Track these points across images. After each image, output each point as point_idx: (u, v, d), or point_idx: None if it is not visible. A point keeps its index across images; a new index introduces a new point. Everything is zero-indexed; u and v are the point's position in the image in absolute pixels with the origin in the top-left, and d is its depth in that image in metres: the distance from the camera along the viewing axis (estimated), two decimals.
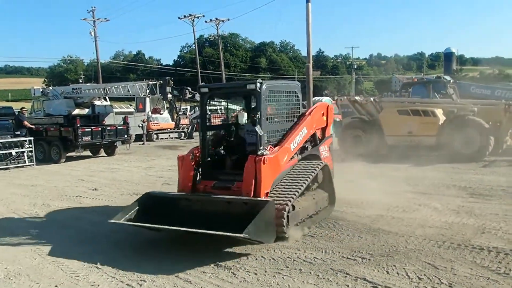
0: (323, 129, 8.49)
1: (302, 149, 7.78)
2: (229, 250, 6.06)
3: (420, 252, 5.74)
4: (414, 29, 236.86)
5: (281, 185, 6.64)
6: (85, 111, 23.83)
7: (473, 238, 6.24)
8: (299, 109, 7.92)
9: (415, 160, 14.43)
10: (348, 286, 4.86)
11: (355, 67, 75.97)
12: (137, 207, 6.62)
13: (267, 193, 6.41)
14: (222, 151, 7.59)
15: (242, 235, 5.27)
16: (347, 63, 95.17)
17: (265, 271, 5.37)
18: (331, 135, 8.86)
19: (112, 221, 6.38)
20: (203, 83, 7.23)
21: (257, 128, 6.58)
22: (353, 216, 7.62)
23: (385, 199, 8.72)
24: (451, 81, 17.48)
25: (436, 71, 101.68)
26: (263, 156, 6.36)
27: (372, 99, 16.57)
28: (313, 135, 8.06)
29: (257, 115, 6.62)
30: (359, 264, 5.39)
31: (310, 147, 8.01)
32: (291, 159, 7.22)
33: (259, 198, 6.18)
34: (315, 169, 7.09)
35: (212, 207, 6.42)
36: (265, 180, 6.35)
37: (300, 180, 6.70)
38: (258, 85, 6.61)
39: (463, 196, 9.16)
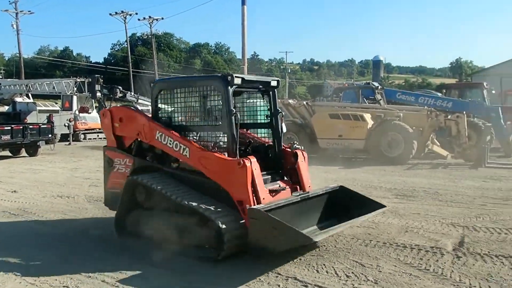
0: None
1: None
2: (158, 253, 5.84)
3: (348, 251, 5.88)
4: (346, 36, 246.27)
5: None
6: (5, 108, 22.34)
7: (397, 237, 6.50)
8: None
9: (346, 162, 14.94)
10: (279, 286, 4.86)
11: (289, 71, 77.57)
12: None
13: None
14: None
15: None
16: (281, 67, 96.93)
17: (196, 273, 5.26)
18: None
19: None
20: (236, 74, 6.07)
21: (283, 125, 6.63)
22: None
23: None
24: (379, 87, 18.30)
25: (365, 78, 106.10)
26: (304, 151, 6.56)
27: (304, 103, 16.94)
28: None
29: (281, 112, 6.59)
30: (290, 264, 5.41)
31: None
32: None
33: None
34: None
35: (308, 206, 6.11)
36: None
37: None
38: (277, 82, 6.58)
39: (388, 197, 9.55)
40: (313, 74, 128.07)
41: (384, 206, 6.37)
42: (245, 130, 6.72)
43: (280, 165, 6.41)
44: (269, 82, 6.49)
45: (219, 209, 5.47)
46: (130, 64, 48.78)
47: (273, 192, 5.87)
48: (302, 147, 6.67)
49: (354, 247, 6.05)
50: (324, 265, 5.36)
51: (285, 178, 6.34)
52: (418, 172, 13.19)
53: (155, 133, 6.19)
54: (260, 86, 6.52)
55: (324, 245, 6.10)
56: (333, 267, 5.30)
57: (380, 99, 16.44)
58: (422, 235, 6.61)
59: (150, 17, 49.23)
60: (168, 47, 77.63)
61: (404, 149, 14.56)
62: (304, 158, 6.48)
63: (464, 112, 15.42)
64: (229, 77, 5.76)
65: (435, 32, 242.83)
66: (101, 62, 79.76)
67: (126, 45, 52.51)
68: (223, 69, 77.53)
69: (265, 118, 6.59)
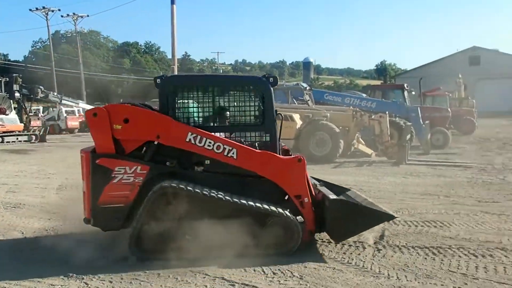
0: None
1: None
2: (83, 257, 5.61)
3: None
4: (277, 38, 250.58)
5: None
6: None
7: (323, 233, 6.69)
8: None
9: None
10: (206, 286, 4.85)
11: (221, 71, 77.48)
12: None
13: None
14: None
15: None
16: (213, 67, 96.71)
17: (121, 278, 5.10)
18: None
19: None
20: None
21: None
22: None
23: None
24: (308, 88, 18.76)
25: (296, 79, 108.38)
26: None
27: None
28: None
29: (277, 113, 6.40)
30: (217, 264, 5.40)
31: None
32: None
33: None
34: None
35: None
36: None
37: None
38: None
39: None
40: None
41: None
42: None
43: None
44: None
45: (278, 206, 5.66)
46: (53, 63, 46.43)
47: None
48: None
49: None
50: (252, 263, 5.41)
51: None
52: (345, 170, 13.68)
53: (186, 135, 5.65)
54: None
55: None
56: (260, 265, 5.36)
57: (309, 100, 16.84)
58: None
59: (74, 13, 47.29)
60: (94, 46, 74.72)
61: (331, 148, 15.03)
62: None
63: (387, 112, 16.20)
64: (271, 79, 6.01)
65: (362, 35, 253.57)
66: (20, 60, 75.10)
67: (49, 43, 49.85)
68: (153, 69, 75.88)
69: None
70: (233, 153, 5.67)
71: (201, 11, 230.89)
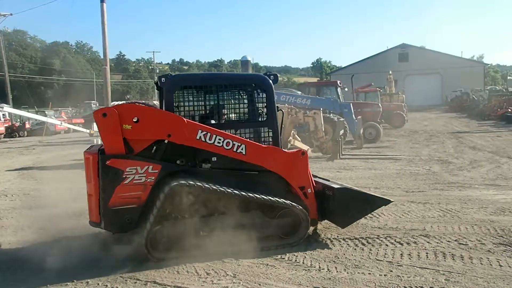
0: None
1: None
2: None
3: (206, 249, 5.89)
4: (214, 36, 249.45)
5: None
6: None
7: None
8: None
9: None
10: None
11: (157, 71, 75.96)
12: None
13: None
14: None
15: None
16: (150, 67, 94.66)
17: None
18: None
19: None
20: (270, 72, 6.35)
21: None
22: None
23: None
24: None
25: None
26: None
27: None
28: None
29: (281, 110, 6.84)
30: (149, 268, 5.29)
31: None
32: None
33: None
34: None
35: None
36: None
37: None
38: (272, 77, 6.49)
39: None
40: None
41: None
42: None
43: None
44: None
45: (283, 199, 5.94)
46: None
47: None
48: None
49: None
50: (185, 265, 5.34)
51: None
52: None
53: (197, 133, 5.69)
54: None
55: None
56: (193, 266, 5.31)
57: None
58: None
59: None
60: (20, 46, 70.74)
61: None
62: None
63: (321, 109, 16.55)
64: (272, 76, 6.32)
65: (299, 33, 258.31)
66: None
67: None
68: (86, 70, 73.09)
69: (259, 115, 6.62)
70: (242, 149, 5.86)
71: (133, 10, 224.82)
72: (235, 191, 5.63)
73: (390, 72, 33.02)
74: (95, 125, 9.50)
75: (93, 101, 46.50)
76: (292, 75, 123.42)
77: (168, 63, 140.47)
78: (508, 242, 5.85)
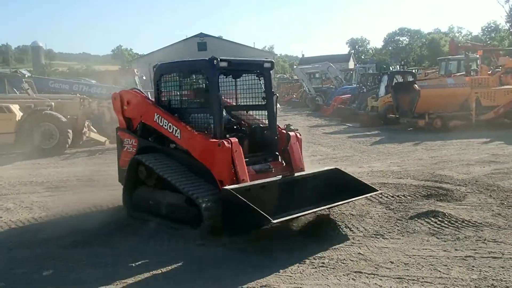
0: None
1: None
2: None
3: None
4: None
5: None
6: None
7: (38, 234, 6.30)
8: None
9: None
10: None
11: None
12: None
13: None
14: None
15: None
16: None
17: None
18: None
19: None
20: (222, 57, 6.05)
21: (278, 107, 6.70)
22: None
23: None
24: (27, 76, 17.07)
25: (26, 65, 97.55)
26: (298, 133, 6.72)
27: None
28: None
29: (276, 95, 6.71)
30: None
31: None
32: None
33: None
34: None
35: (295, 187, 6.12)
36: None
37: None
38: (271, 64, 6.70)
39: (39, 191, 9.11)
40: None
41: (376, 190, 6.48)
42: (245, 112, 7.09)
43: (274, 147, 6.64)
44: (262, 64, 6.65)
45: (201, 189, 5.76)
46: None
47: (261, 172, 6.15)
48: (297, 130, 6.88)
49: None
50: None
51: (279, 160, 6.66)
52: (75, 161, 13.10)
53: (154, 115, 6.59)
54: (253, 69, 6.71)
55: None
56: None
57: (28, 89, 15.31)
58: None
59: None
60: None
61: (59, 139, 14.09)
62: (297, 140, 6.68)
63: None
64: (215, 61, 5.95)
65: (95, 18, 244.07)
66: None
67: None
68: None
69: (262, 100, 6.72)
70: (177, 133, 6.32)
71: None
72: (162, 172, 6.08)
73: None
74: None
75: None
76: (92, 63, 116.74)
77: None
78: None
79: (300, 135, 6.76)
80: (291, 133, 6.62)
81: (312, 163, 9.86)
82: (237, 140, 5.95)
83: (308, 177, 6.38)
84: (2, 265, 5.27)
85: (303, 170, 6.51)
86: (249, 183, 5.75)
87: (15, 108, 14.05)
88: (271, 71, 6.80)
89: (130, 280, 4.68)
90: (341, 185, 6.31)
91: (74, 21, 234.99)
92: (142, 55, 69.19)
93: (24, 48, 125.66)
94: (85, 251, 5.60)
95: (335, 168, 6.82)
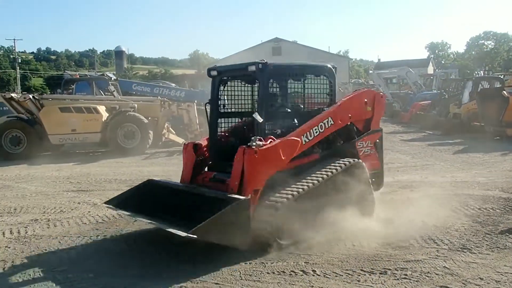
0: (367, 121, 7.11)
1: (329, 143, 6.68)
2: None
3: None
4: (85, 24, 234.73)
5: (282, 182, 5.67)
6: None
7: (124, 228, 6.59)
8: (332, 96, 6.72)
9: (81, 157, 14.32)
10: None
11: (20, 61, 69.46)
12: (135, 194, 6.44)
13: (257, 190, 5.46)
14: (234, 141, 6.41)
15: (184, 234, 4.62)
16: (11, 56, 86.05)
17: None
18: (381, 129, 7.34)
19: (106, 205, 6.33)
20: (214, 65, 6.13)
21: (255, 115, 5.75)
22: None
23: (44, 202, 8.39)
24: (113, 79, 18.08)
25: (109, 69, 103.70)
26: (255, 148, 5.39)
27: (31, 96, 15.39)
28: (348, 128, 6.83)
29: (257, 100, 6.23)
30: None
31: (342, 141, 6.87)
32: (306, 154, 6.22)
33: (231, 195, 5.33)
34: (334, 169, 6.03)
35: (194, 201, 5.79)
36: (254, 175, 5.47)
37: (306, 180, 5.76)
38: (260, 66, 5.82)
39: (122, 188, 9.47)
40: (50, 65, 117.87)
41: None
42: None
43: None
44: (246, 69, 6.01)
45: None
46: None
47: (214, 181, 6.02)
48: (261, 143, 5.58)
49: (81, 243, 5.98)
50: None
51: None
52: (155, 161, 13.63)
53: None
54: (244, 74, 6.24)
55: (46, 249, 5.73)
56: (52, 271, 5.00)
57: (114, 91, 16.24)
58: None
59: None
60: None
61: (140, 140, 14.78)
62: (244, 154, 5.49)
63: (195, 101, 16.58)
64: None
65: (175, 24, 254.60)
66: None
67: None
68: None
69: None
70: None
71: None
72: None
73: None
74: None
75: None
76: (170, 67, 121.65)
77: (33, 52, 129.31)
78: None
79: (256, 152, 5.44)
80: (240, 147, 5.60)
81: (389, 171, 9.55)
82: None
83: (198, 194, 5.89)
84: (92, 255, 5.59)
85: (234, 191, 5.47)
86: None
87: (101, 109, 14.96)
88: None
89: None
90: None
91: (154, 26, 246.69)
92: (218, 59, 70.94)
93: (108, 53, 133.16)
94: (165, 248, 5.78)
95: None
